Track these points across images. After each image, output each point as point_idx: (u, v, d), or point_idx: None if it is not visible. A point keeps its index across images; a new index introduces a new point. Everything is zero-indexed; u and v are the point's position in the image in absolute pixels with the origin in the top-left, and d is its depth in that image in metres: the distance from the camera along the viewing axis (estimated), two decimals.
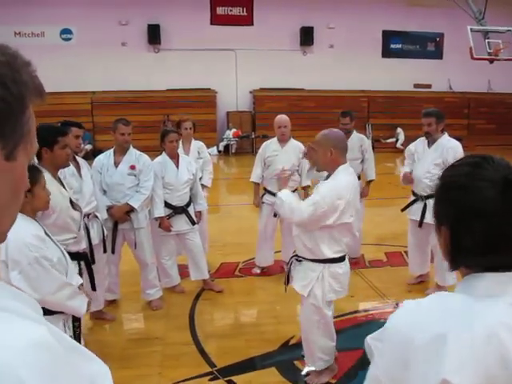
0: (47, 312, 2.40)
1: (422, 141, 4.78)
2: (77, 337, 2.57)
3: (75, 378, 0.58)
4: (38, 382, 0.52)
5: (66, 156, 3.21)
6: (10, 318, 0.56)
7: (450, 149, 4.50)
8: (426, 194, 4.63)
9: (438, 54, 18.98)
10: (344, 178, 3.08)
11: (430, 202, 4.56)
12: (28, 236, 2.34)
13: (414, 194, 4.77)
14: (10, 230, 2.19)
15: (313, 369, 3.35)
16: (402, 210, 4.94)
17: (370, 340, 1.03)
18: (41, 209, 2.55)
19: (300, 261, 3.27)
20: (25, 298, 0.63)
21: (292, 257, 3.38)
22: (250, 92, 18.33)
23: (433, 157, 4.57)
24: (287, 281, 3.41)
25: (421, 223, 4.67)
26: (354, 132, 5.60)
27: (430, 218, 4.58)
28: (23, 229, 2.32)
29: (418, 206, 4.70)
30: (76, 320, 2.57)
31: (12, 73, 0.60)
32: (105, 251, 4.11)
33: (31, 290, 2.32)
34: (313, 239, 3.12)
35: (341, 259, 3.24)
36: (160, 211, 4.57)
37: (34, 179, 2.41)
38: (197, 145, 5.46)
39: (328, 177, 3.17)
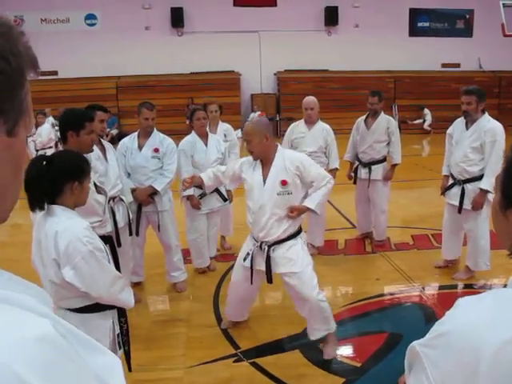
0: (95, 309, 2.32)
1: (460, 121, 4.51)
2: (124, 333, 2.48)
3: (80, 374, 0.54)
4: (39, 379, 0.48)
5: (91, 142, 3.24)
6: (10, 311, 0.52)
7: (488, 131, 4.23)
8: (463, 179, 4.41)
9: (467, 32, 18.40)
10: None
11: (469, 187, 4.37)
12: (80, 230, 2.20)
13: (453, 177, 4.54)
14: (59, 225, 2.08)
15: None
16: (442, 193, 4.72)
17: (418, 347, 0.86)
18: (82, 203, 2.36)
19: (271, 246, 3.34)
20: (33, 290, 0.59)
21: (267, 253, 3.34)
22: (275, 74, 18.17)
23: (470, 140, 4.32)
24: (270, 279, 3.41)
25: (460, 209, 4.45)
26: (382, 113, 5.48)
27: (468, 203, 4.38)
28: (73, 221, 2.22)
29: (456, 190, 4.47)
30: (122, 315, 2.46)
31: (9, 44, 0.57)
32: (130, 234, 4.15)
33: (86, 287, 2.21)
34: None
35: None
36: (189, 190, 4.61)
37: (86, 170, 2.33)
38: (223, 127, 5.44)
39: (269, 161, 3.30)
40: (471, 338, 0.78)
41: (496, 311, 0.80)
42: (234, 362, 3.40)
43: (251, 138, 3.24)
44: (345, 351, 3.53)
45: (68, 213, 2.23)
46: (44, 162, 2.17)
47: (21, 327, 0.51)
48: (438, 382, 0.81)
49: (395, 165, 5.48)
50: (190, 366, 3.34)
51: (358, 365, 3.32)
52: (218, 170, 3.61)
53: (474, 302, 0.85)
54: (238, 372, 3.29)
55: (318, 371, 3.27)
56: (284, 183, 3.27)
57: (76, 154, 2.45)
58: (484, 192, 4.28)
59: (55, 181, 2.19)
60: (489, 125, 4.28)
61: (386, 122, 5.45)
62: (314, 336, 3.41)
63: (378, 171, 5.44)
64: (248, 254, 3.43)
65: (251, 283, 3.45)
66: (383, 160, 5.50)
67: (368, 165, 5.45)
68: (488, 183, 4.23)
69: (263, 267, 3.36)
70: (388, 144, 5.46)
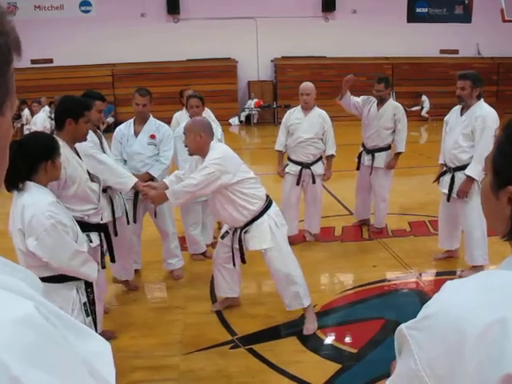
0: (61, 280, 2.53)
1: (457, 108, 4.37)
2: (91, 302, 2.70)
3: (65, 357, 0.53)
4: (19, 361, 0.46)
5: (87, 130, 3.22)
6: None
7: (480, 117, 4.07)
8: (454, 166, 4.30)
9: (466, 18, 18.30)
10: (221, 146, 3.58)
11: (459, 175, 4.25)
12: (45, 204, 2.42)
13: (445, 165, 4.43)
14: (27, 199, 2.29)
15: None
16: (434, 181, 4.66)
17: (406, 329, 0.84)
18: (56, 178, 2.61)
19: (244, 229, 3.53)
20: (21, 273, 0.57)
21: (238, 236, 3.55)
22: (272, 61, 18.07)
23: (462, 126, 4.19)
24: (243, 258, 3.63)
25: (449, 197, 4.35)
26: (390, 100, 5.42)
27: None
28: (39, 197, 2.43)
29: (448, 178, 4.35)
30: (89, 286, 2.68)
31: None
32: (128, 223, 4.13)
33: (47, 257, 2.42)
34: (237, 206, 3.43)
35: (270, 202, 3.58)
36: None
37: (56, 148, 2.53)
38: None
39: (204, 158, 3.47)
40: (455, 321, 0.77)
41: (481, 293, 0.79)
42: (231, 348, 3.40)
43: (187, 133, 3.48)
44: (341, 337, 3.54)
45: (40, 189, 2.45)
46: (16, 146, 2.34)
47: (0, 309, 0.49)
48: (425, 365, 0.80)
49: (399, 153, 5.41)
50: (186, 352, 3.35)
51: (355, 351, 3.33)
52: (178, 173, 3.80)
53: (459, 285, 0.84)
54: (235, 358, 3.29)
55: (314, 357, 3.28)
56: None
57: (45, 135, 2.65)
58: (470, 180, 4.13)
59: (30, 163, 2.41)
60: (480, 111, 4.12)
61: (393, 108, 5.38)
62: (289, 308, 3.58)
63: (381, 159, 5.39)
64: (227, 232, 3.67)
65: (233, 261, 3.69)
66: (387, 148, 5.44)
67: (372, 151, 5.42)
68: (474, 170, 4.06)
69: (237, 246, 3.60)
70: (394, 132, 5.41)
